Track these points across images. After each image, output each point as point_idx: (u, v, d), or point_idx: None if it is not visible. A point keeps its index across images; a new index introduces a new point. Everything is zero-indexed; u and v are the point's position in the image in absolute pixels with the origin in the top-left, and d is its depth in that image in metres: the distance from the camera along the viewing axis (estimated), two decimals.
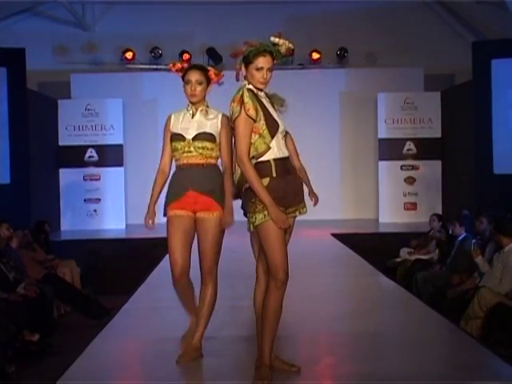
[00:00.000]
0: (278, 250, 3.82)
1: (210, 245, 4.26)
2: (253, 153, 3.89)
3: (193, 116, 4.36)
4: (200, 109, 4.36)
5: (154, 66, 13.91)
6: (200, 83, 4.31)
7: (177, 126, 4.36)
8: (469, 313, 6.69)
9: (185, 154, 4.30)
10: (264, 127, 3.89)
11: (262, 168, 3.88)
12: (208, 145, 4.28)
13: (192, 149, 4.28)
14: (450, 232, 8.94)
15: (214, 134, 4.30)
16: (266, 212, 3.80)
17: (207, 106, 4.39)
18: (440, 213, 11.28)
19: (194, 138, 4.29)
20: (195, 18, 13.98)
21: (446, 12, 14.46)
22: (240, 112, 3.86)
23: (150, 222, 4.40)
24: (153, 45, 13.78)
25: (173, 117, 4.42)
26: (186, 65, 4.41)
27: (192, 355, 4.30)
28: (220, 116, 4.34)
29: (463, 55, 12.70)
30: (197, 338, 4.35)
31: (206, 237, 4.26)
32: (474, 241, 7.78)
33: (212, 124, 4.33)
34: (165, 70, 13.42)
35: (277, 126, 3.95)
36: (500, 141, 11.55)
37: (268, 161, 3.90)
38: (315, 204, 4.57)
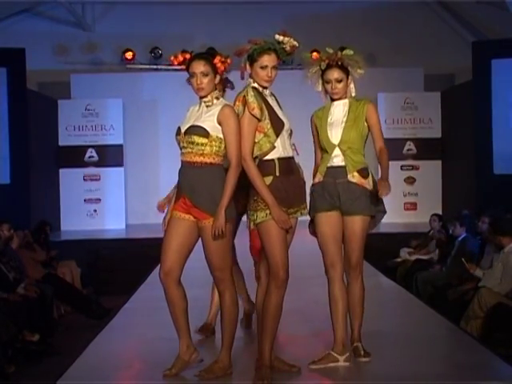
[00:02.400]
0: (279, 249, 3.83)
1: (212, 255, 3.89)
2: (257, 152, 3.88)
3: (199, 109, 3.98)
4: (206, 100, 3.94)
5: (154, 66, 13.89)
6: (206, 74, 3.88)
7: (185, 118, 4.04)
8: (469, 313, 6.68)
9: (182, 150, 3.95)
10: (269, 126, 3.88)
11: (265, 167, 3.87)
12: (197, 139, 3.85)
13: (185, 144, 3.91)
14: (450, 232, 8.92)
15: (206, 128, 3.85)
16: (267, 211, 3.80)
17: (217, 98, 3.96)
18: (440, 213, 11.26)
19: (186, 132, 3.92)
20: (195, 18, 13.95)
21: (445, 12, 14.46)
22: (244, 111, 3.85)
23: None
24: (153, 45, 13.75)
25: (189, 109, 4.09)
26: (188, 56, 3.96)
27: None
28: (219, 108, 3.88)
29: (463, 55, 12.70)
30: (222, 356, 3.99)
31: (207, 246, 3.89)
32: (463, 259, 7.37)
33: (208, 116, 3.89)
34: (165, 70, 13.44)
35: (282, 124, 3.94)
36: (500, 141, 11.55)
37: (272, 160, 3.89)
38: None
